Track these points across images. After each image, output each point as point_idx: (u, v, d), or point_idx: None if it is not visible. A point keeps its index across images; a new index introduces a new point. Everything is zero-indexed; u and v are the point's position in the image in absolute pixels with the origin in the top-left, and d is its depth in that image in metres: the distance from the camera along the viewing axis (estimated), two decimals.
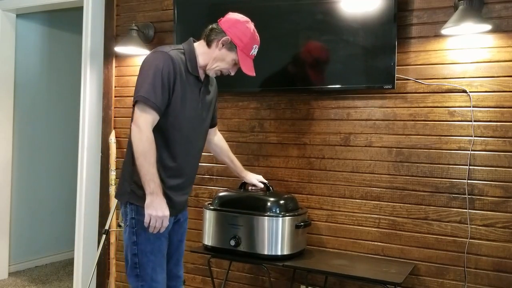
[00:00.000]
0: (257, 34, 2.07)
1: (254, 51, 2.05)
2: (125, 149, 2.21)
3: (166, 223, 1.91)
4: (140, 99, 1.88)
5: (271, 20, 2.71)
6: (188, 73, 2.00)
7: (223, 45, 2.00)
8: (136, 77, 1.98)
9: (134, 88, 1.96)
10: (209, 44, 2.02)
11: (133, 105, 1.94)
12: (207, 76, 2.10)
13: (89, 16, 3.37)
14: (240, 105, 2.88)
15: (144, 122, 1.87)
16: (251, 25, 2.04)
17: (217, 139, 2.43)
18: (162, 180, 1.94)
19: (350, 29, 2.50)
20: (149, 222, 1.89)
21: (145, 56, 2.06)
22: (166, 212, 1.90)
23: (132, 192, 1.99)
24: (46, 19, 4.29)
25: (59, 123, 4.41)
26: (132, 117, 1.97)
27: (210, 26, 2.05)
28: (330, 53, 2.57)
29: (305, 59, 2.65)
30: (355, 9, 2.47)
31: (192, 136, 2.06)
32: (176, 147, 2.01)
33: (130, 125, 1.94)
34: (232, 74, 2.08)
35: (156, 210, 1.87)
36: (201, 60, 2.03)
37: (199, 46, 2.05)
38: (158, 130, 1.94)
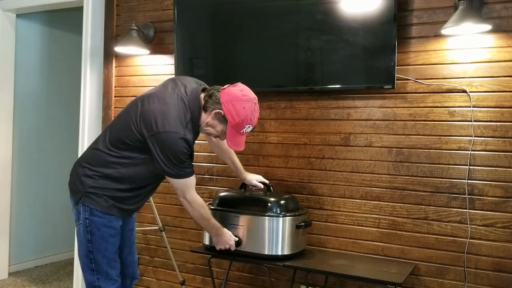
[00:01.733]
0: (255, 115, 2.03)
1: (247, 129, 2.03)
2: None
3: (233, 247, 2.32)
4: (177, 177, 2.02)
5: (271, 20, 2.71)
6: (193, 136, 2.07)
7: (215, 116, 2.03)
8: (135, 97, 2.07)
9: (146, 123, 1.97)
10: (205, 110, 2.05)
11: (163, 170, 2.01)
12: None
13: (89, 16, 3.37)
14: None
15: (191, 194, 2.09)
16: (252, 105, 2.01)
17: (218, 141, 2.42)
18: (116, 197, 2.08)
19: (350, 29, 2.50)
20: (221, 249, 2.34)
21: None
22: (232, 241, 2.31)
23: (87, 195, 2.07)
24: (46, 19, 4.28)
25: (59, 123, 4.41)
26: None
27: (212, 91, 2.04)
28: (330, 54, 2.58)
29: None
30: (355, 9, 2.47)
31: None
32: (142, 182, 2.14)
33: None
34: (221, 140, 2.17)
35: (224, 244, 2.31)
36: (200, 121, 2.08)
37: (202, 107, 2.06)
38: (135, 159, 2.05)
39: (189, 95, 2.04)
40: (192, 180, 2.07)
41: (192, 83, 2.12)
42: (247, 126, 2.02)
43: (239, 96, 2.00)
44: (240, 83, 2.08)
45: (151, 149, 1.97)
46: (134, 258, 2.35)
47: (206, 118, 2.05)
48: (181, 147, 1.96)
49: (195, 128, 2.06)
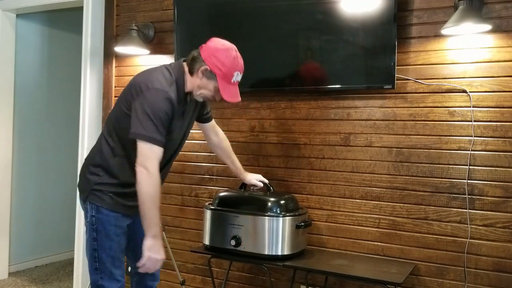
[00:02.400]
0: (239, 61, 2.02)
1: (237, 78, 2.02)
2: None
3: (160, 265, 2.00)
4: (147, 139, 1.91)
5: (271, 20, 2.71)
6: (178, 103, 2.02)
7: (203, 74, 2.01)
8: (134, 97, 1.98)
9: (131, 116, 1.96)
10: (191, 73, 2.04)
11: (131, 138, 1.95)
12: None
13: (89, 16, 3.37)
14: (240, 105, 2.88)
15: (154, 164, 1.91)
16: (233, 52, 2.00)
17: (217, 140, 2.44)
18: (119, 193, 2.07)
19: (350, 29, 2.50)
20: (144, 262, 1.96)
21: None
22: (164, 255, 1.99)
23: (93, 193, 2.08)
24: (46, 19, 4.29)
25: (59, 123, 4.41)
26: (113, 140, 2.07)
27: (192, 54, 2.04)
28: (330, 54, 2.58)
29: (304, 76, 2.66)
30: (355, 9, 2.47)
31: (166, 155, 2.08)
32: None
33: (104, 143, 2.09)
34: (218, 100, 2.08)
35: (156, 253, 1.96)
36: (188, 86, 2.06)
37: (186, 72, 2.06)
38: (130, 150, 1.99)
39: (172, 65, 2.08)
40: (159, 151, 1.93)
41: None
42: (236, 73, 2.01)
43: (218, 47, 2.00)
44: (213, 37, 2.08)
45: (133, 112, 1.93)
46: None
47: (195, 80, 2.03)
48: (163, 104, 1.92)
49: (181, 94, 2.03)
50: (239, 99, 2.07)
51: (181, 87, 2.03)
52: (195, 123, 2.31)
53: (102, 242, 2.07)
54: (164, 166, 2.15)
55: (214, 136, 2.43)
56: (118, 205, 2.08)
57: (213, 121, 2.42)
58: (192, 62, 2.02)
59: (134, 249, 2.22)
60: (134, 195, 2.11)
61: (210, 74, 2.00)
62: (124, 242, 2.14)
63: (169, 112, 1.95)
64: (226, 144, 2.46)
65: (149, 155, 1.91)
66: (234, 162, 2.48)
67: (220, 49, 1.99)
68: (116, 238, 2.10)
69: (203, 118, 2.36)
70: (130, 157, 2.03)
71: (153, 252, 1.95)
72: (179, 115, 2.06)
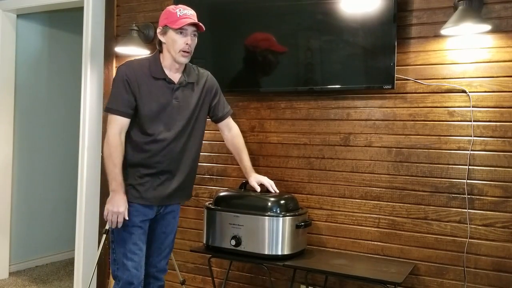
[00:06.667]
0: (176, 6, 2.17)
1: (181, 12, 2.13)
2: None
3: (121, 219, 2.12)
4: (106, 110, 2.18)
5: (271, 20, 2.71)
6: (153, 78, 2.18)
7: (161, 35, 2.19)
8: None
9: None
10: (159, 47, 2.22)
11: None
12: (188, 76, 2.25)
13: (90, 17, 3.37)
14: (240, 105, 2.89)
15: (111, 128, 2.14)
16: (173, 6, 2.20)
17: (229, 136, 2.49)
18: (133, 174, 2.20)
19: (350, 29, 2.51)
20: (107, 216, 2.12)
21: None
22: (121, 209, 2.11)
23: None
24: (46, 20, 4.29)
25: (59, 123, 4.41)
26: None
27: (156, 41, 2.25)
28: (330, 54, 2.58)
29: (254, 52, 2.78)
30: (355, 9, 2.48)
31: (168, 135, 2.19)
32: (147, 146, 2.19)
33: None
34: (189, 43, 2.16)
35: (113, 206, 2.11)
36: (166, 63, 2.21)
37: (160, 53, 2.24)
38: (134, 128, 2.20)
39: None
40: (117, 119, 2.14)
41: None
42: (178, 10, 2.13)
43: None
44: None
45: None
46: (160, 262, 2.40)
47: (164, 48, 2.19)
48: (120, 75, 2.14)
49: (156, 68, 2.18)
50: (191, 20, 2.13)
51: (155, 63, 2.20)
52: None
53: (116, 235, 2.21)
54: (170, 161, 2.22)
55: (227, 132, 2.49)
56: (135, 198, 2.18)
57: (228, 118, 2.48)
58: (158, 44, 2.22)
59: (155, 244, 2.36)
60: (145, 183, 2.21)
61: (164, 30, 2.17)
62: (137, 237, 2.21)
63: (127, 78, 2.13)
64: (238, 141, 2.49)
65: (109, 121, 2.16)
66: (242, 160, 2.49)
67: (164, 10, 2.20)
68: (129, 231, 2.19)
69: (213, 119, 2.46)
70: (126, 146, 2.19)
71: (111, 204, 2.11)
72: (161, 90, 2.18)
